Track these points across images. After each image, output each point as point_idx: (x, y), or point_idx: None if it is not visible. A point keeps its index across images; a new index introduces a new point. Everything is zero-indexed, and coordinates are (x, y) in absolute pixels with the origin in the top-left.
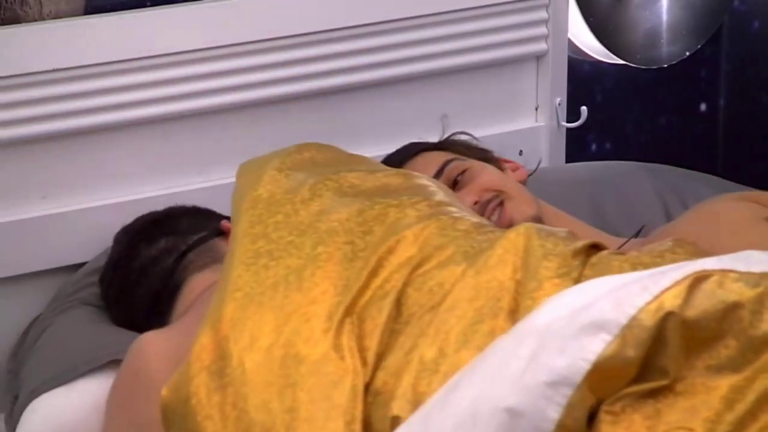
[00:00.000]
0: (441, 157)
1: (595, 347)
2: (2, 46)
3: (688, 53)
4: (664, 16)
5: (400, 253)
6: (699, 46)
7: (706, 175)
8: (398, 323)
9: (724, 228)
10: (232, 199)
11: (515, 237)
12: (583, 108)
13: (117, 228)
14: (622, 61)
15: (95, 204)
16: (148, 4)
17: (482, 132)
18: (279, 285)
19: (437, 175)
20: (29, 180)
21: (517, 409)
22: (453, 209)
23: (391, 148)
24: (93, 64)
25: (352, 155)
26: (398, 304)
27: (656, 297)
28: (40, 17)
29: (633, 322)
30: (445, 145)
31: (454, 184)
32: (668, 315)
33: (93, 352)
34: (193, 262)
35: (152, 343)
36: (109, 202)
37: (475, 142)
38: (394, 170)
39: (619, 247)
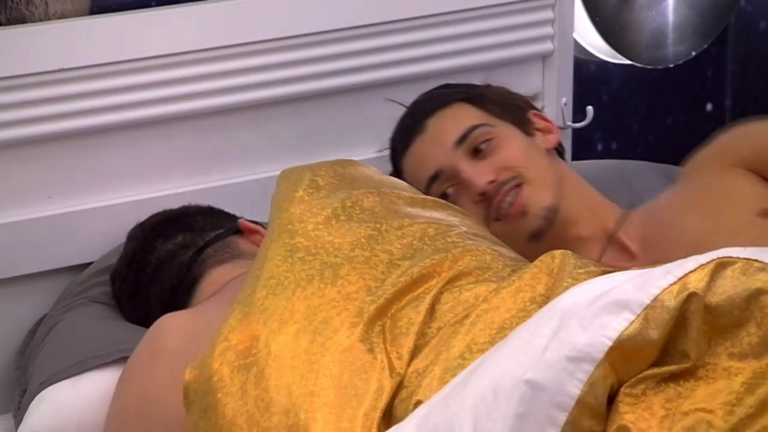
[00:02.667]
0: (470, 116)
1: (617, 325)
2: (8, 46)
3: (694, 53)
4: (671, 16)
5: (442, 271)
6: (705, 46)
7: None
8: (431, 328)
9: (725, 226)
10: (272, 200)
11: (551, 260)
12: (589, 108)
13: (123, 228)
14: (628, 61)
15: (101, 204)
16: (153, 4)
17: None
18: (314, 278)
19: (461, 140)
20: (35, 180)
21: (537, 382)
22: (486, 242)
23: None
24: (98, 64)
25: (390, 178)
26: (432, 309)
27: (680, 279)
28: (46, 17)
29: (656, 303)
30: (480, 100)
31: (476, 152)
32: (691, 296)
33: (103, 347)
34: (211, 257)
35: (173, 321)
36: (115, 202)
37: (513, 96)
38: (432, 199)
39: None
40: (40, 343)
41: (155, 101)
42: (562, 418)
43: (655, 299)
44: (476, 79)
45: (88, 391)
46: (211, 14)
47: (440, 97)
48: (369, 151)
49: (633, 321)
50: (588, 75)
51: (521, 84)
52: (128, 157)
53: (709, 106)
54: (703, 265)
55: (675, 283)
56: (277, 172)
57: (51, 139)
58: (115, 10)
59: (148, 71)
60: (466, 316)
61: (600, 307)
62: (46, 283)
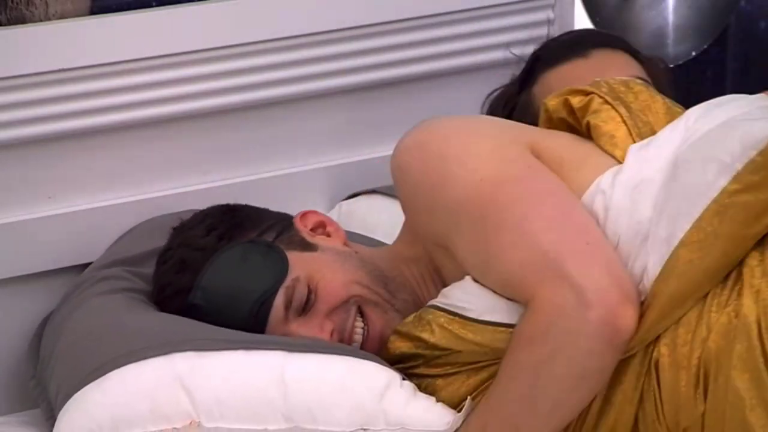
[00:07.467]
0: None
1: None
2: (8, 46)
3: (694, 53)
4: (671, 17)
5: None
6: (705, 47)
7: None
8: None
9: None
10: None
11: None
12: None
13: (123, 228)
14: None
15: (101, 204)
16: (154, 4)
17: None
18: None
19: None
20: (36, 180)
21: None
22: None
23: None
24: (99, 64)
25: None
26: None
27: None
28: (46, 17)
29: None
30: None
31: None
32: None
33: (119, 346)
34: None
35: None
36: (115, 202)
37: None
38: None
39: None
40: (53, 344)
41: (155, 101)
42: None
43: None
44: (477, 80)
45: (113, 390)
46: (211, 14)
47: None
48: (369, 151)
49: None
50: None
51: None
52: (128, 157)
53: None
54: None
55: None
56: (277, 173)
57: (51, 139)
58: (115, 10)
59: (148, 71)
60: None
61: None
62: (46, 283)
